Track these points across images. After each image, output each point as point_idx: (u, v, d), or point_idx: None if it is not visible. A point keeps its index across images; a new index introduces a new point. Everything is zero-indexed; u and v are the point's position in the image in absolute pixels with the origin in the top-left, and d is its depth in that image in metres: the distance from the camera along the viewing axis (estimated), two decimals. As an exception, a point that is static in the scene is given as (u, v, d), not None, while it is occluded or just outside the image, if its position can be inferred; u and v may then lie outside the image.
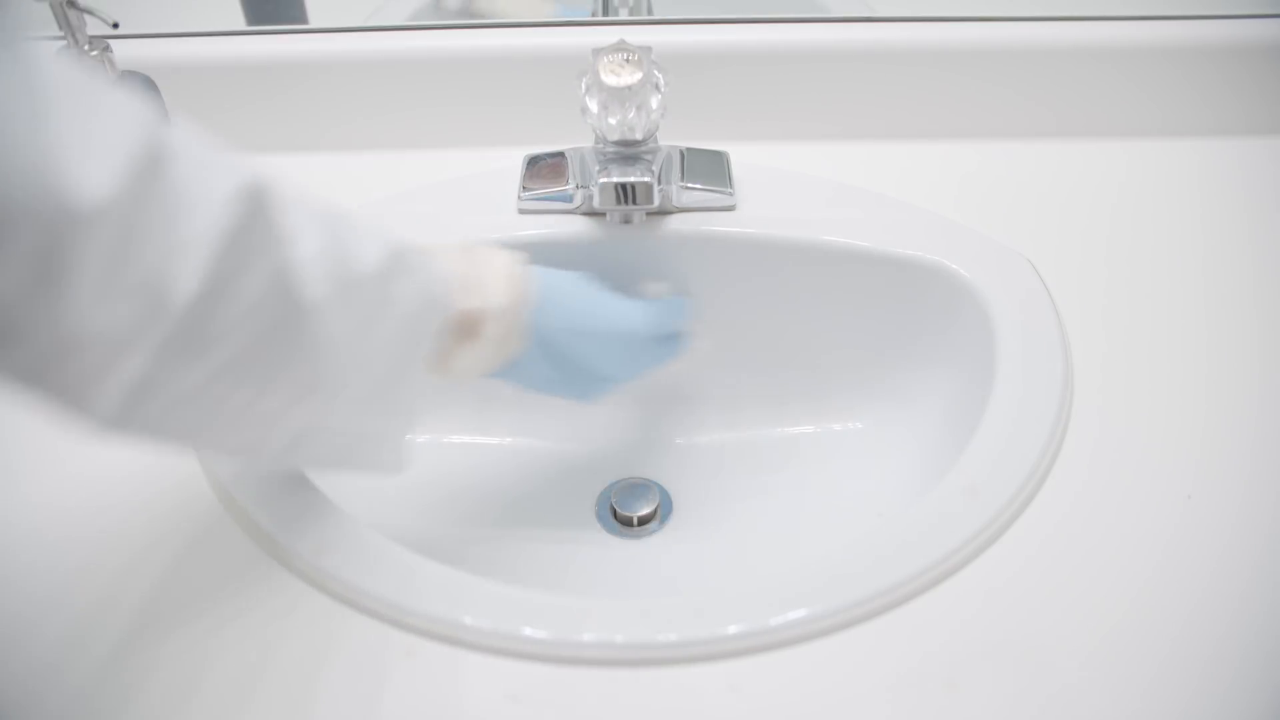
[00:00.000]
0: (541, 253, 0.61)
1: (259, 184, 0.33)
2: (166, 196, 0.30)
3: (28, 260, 0.27)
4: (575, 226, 0.61)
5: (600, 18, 0.75)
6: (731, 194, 0.62)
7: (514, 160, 0.64)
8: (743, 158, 0.64)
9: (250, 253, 0.33)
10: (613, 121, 0.56)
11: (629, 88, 0.55)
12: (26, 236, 0.27)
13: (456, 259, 0.46)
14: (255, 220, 0.33)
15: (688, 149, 0.63)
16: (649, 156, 0.58)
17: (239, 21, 0.74)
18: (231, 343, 0.33)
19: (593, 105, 0.56)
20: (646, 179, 0.57)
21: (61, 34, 0.52)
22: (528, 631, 0.40)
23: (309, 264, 0.35)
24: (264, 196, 0.33)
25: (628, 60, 0.55)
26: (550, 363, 0.51)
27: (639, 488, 0.63)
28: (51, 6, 0.51)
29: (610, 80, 0.55)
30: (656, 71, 0.56)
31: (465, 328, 0.45)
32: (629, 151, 0.58)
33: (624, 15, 0.74)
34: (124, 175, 0.28)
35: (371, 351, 0.40)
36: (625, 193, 0.58)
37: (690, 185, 0.61)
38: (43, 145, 0.27)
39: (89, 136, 0.28)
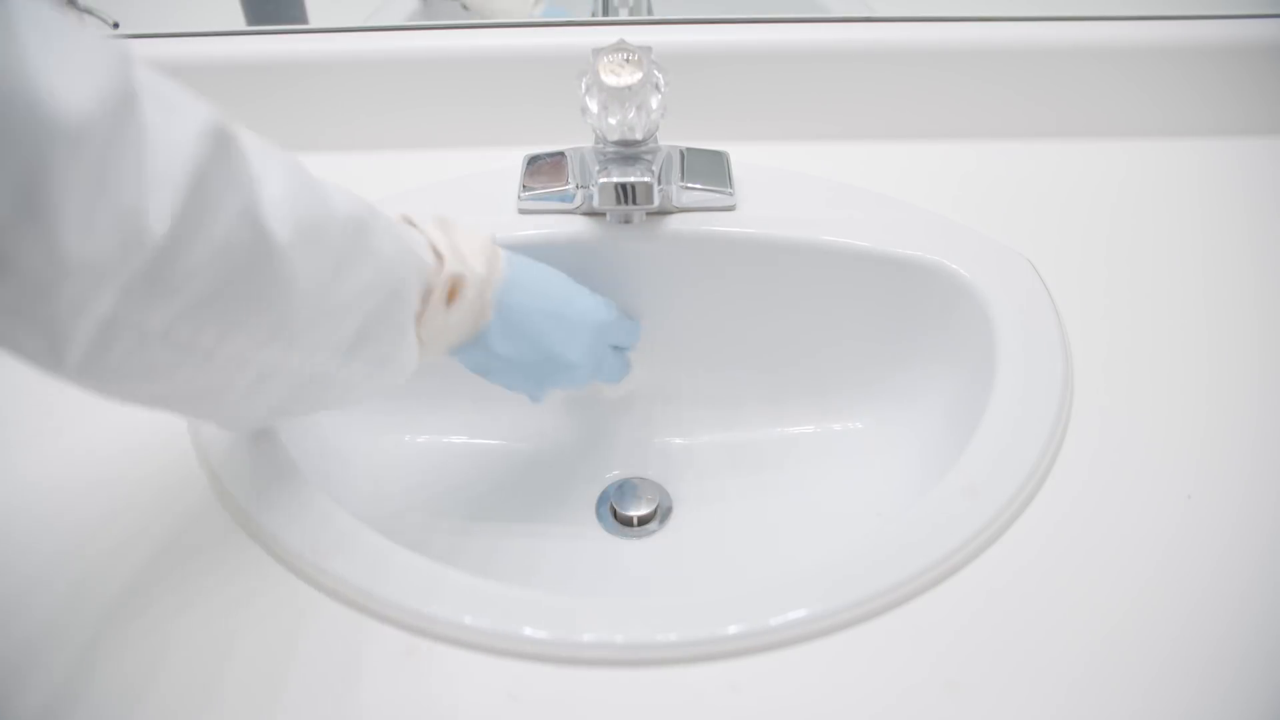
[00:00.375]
0: (541, 253, 0.61)
1: (226, 126, 0.33)
2: (139, 130, 0.30)
3: (15, 182, 0.27)
4: (575, 226, 0.61)
5: (600, 18, 0.75)
6: (731, 194, 0.62)
7: (514, 160, 0.64)
8: (743, 158, 0.64)
9: (220, 192, 0.33)
10: (613, 121, 0.56)
11: (629, 88, 0.55)
12: (13, 157, 0.27)
13: (434, 226, 0.47)
14: (223, 160, 0.33)
15: (688, 149, 0.63)
16: (649, 156, 0.58)
17: (239, 21, 0.74)
18: (200, 283, 0.33)
19: (593, 105, 0.56)
20: (646, 179, 0.57)
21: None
22: (528, 631, 0.40)
23: (278, 204, 0.35)
24: (231, 138, 0.33)
25: (628, 60, 0.55)
26: (515, 342, 0.51)
27: (639, 488, 0.63)
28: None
29: (610, 80, 0.55)
30: (656, 71, 0.56)
31: (445, 290, 0.46)
32: (629, 151, 0.58)
33: (624, 15, 0.74)
34: (103, 99, 0.28)
35: (347, 297, 0.39)
36: (625, 193, 0.58)
37: (690, 185, 0.61)
38: (23, 66, 0.26)
39: (67, 60, 0.28)
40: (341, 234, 0.39)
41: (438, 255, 0.46)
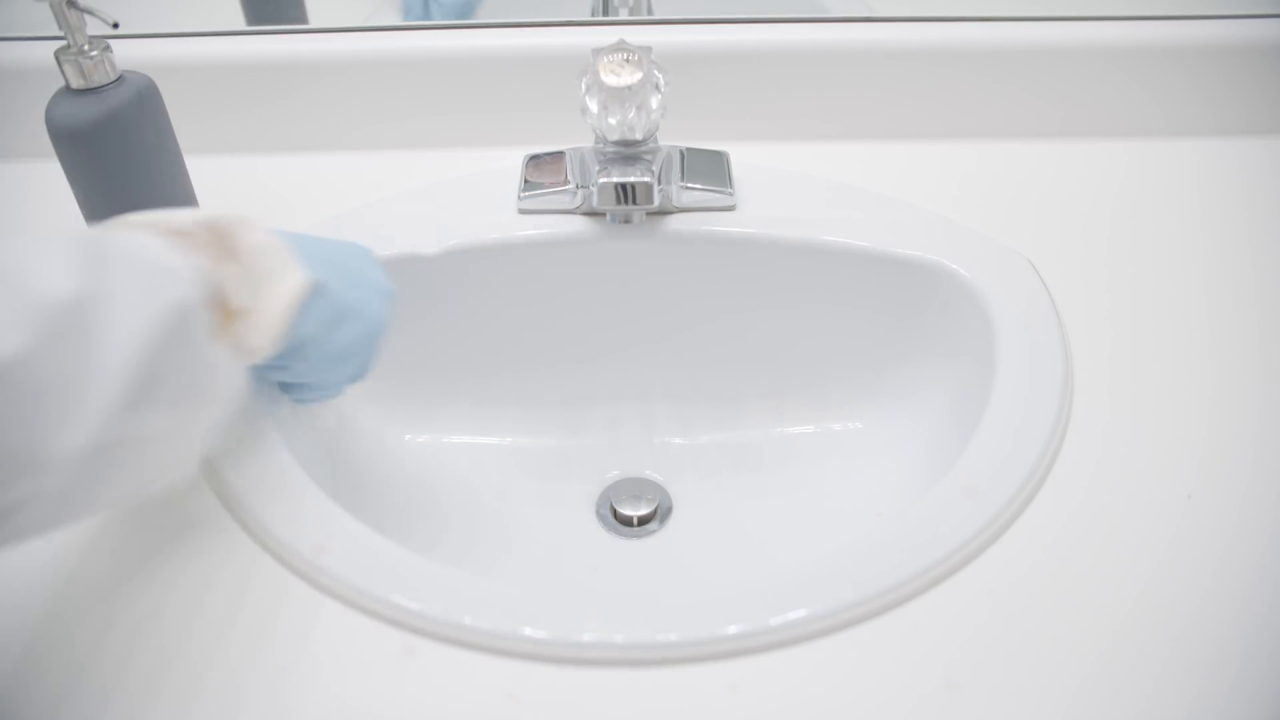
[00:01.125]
0: (541, 253, 0.62)
1: None
2: None
3: None
4: (575, 226, 0.61)
5: (600, 18, 0.75)
6: (731, 194, 0.62)
7: (514, 160, 0.64)
8: (743, 158, 0.64)
9: None
10: (613, 121, 0.56)
11: (629, 88, 0.55)
12: None
13: (179, 218, 0.40)
14: None
15: (688, 149, 0.63)
16: (649, 156, 0.58)
17: (239, 21, 0.74)
18: None
19: (593, 105, 0.56)
20: (646, 179, 0.57)
21: (62, 34, 0.52)
22: (528, 631, 0.40)
23: None
24: None
25: (628, 60, 0.55)
26: (352, 293, 0.46)
27: (639, 487, 0.63)
28: (51, 6, 0.51)
29: (610, 80, 0.55)
30: (656, 71, 0.56)
31: (222, 251, 0.39)
32: (629, 151, 0.58)
33: (624, 15, 0.74)
34: None
35: (115, 369, 0.34)
36: (625, 193, 0.58)
37: (690, 185, 0.61)
38: None
39: None
40: (76, 315, 0.33)
41: (193, 236, 0.38)
